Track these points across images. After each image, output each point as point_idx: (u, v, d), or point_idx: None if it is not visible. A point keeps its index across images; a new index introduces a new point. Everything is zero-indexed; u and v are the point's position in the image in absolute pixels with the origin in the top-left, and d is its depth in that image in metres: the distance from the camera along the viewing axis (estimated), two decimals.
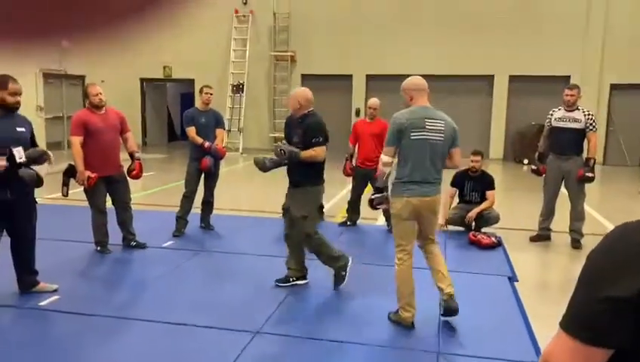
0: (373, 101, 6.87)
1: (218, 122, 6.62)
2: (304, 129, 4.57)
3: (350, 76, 15.98)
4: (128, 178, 5.77)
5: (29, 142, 4.30)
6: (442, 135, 3.90)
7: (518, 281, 5.12)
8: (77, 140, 5.34)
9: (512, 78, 15.04)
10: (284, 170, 4.75)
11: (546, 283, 5.62)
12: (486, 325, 4.13)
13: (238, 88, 16.20)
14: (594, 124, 6.20)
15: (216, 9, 16.44)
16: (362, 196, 6.97)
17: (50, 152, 4.38)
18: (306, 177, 4.60)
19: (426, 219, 4.04)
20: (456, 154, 4.06)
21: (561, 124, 6.24)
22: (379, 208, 4.39)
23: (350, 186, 7.17)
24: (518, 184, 11.83)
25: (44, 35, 14.31)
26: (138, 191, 8.52)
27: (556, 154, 6.33)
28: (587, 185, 6.31)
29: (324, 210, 7.38)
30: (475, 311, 4.29)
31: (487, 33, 14.75)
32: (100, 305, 4.33)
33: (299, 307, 4.49)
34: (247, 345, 3.68)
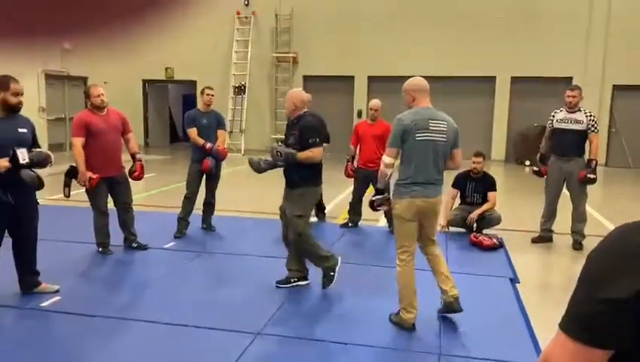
0: (375, 102, 6.87)
1: (219, 123, 6.63)
2: (300, 130, 4.56)
3: (352, 77, 15.99)
4: (130, 179, 5.77)
5: (31, 143, 4.31)
6: (445, 136, 3.91)
7: (519, 283, 5.12)
8: (79, 141, 5.34)
9: (514, 80, 15.04)
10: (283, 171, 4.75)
11: (548, 285, 5.61)
12: (487, 326, 4.13)
13: (239, 90, 16.22)
14: (596, 125, 6.19)
15: (218, 10, 16.47)
16: (364, 198, 6.97)
17: (51, 154, 4.39)
18: (302, 178, 4.59)
19: (428, 221, 4.05)
20: (458, 154, 4.07)
21: (563, 126, 6.23)
22: (380, 210, 4.38)
23: (352, 188, 7.17)
24: (520, 185, 11.81)
25: (46, 36, 14.34)
26: (140, 193, 8.53)
27: (558, 155, 6.32)
28: (589, 187, 6.30)
29: (325, 211, 7.46)
30: (476, 312, 4.28)
31: (489, 34, 14.75)
32: (102, 306, 4.33)
33: (300, 308, 4.49)
34: (248, 346, 3.68)
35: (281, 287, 4.78)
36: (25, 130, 4.25)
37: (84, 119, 5.44)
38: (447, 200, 6.58)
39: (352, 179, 7.10)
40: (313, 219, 7.33)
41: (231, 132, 15.38)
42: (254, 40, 16.39)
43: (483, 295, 4.81)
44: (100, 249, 5.71)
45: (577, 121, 6.16)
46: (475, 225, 6.69)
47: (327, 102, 14.37)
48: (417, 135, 3.83)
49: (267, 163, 4.64)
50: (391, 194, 4.16)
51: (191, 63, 16.50)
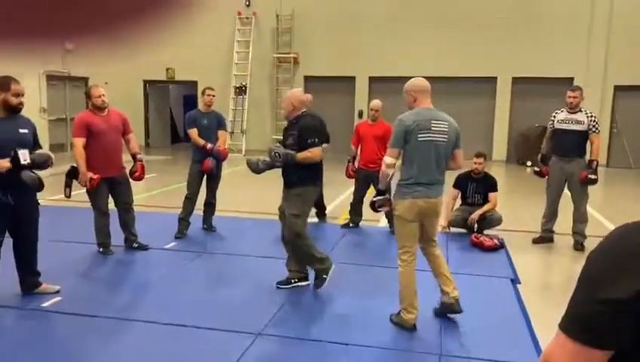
0: (376, 103, 6.87)
1: (220, 124, 6.63)
2: (299, 130, 4.55)
3: (353, 78, 15.99)
4: (130, 179, 5.77)
5: (32, 143, 4.31)
6: (447, 136, 3.92)
7: (520, 283, 5.11)
8: (79, 142, 5.34)
9: (515, 80, 15.03)
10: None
11: (549, 285, 5.60)
12: (488, 327, 4.12)
13: (240, 90, 16.23)
14: (597, 126, 6.19)
15: (219, 11, 16.48)
16: (364, 198, 6.97)
17: (52, 156, 4.39)
18: (300, 178, 4.58)
19: (429, 221, 4.06)
20: (459, 155, 4.08)
21: (564, 126, 6.23)
22: (381, 211, 4.37)
23: (352, 188, 7.17)
24: (521, 186, 11.81)
25: (47, 37, 14.34)
26: (140, 193, 8.54)
27: (559, 156, 6.32)
28: (590, 187, 6.30)
29: (326, 211, 7.46)
30: (477, 313, 4.28)
31: (490, 35, 14.75)
32: (102, 306, 4.33)
33: (300, 308, 4.49)
34: (249, 347, 3.68)
35: (281, 288, 4.78)
36: (26, 131, 4.25)
37: (85, 119, 5.44)
38: (448, 200, 6.57)
39: (353, 180, 7.10)
40: (314, 219, 7.35)
41: (232, 132, 15.39)
42: (255, 40, 16.40)
43: (484, 295, 4.80)
44: (101, 249, 5.71)
45: (578, 122, 6.16)
46: (475, 225, 6.69)
47: (328, 103, 14.37)
48: (419, 135, 3.83)
49: (265, 163, 4.63)
50: (392, 194, 4.16)
51: (192, 64, 16.51)
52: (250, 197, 9.19)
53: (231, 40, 16.54)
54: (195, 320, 4.07)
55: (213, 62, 16.47)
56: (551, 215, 6.47)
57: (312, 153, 4.53)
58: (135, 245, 5.87)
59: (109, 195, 5.66)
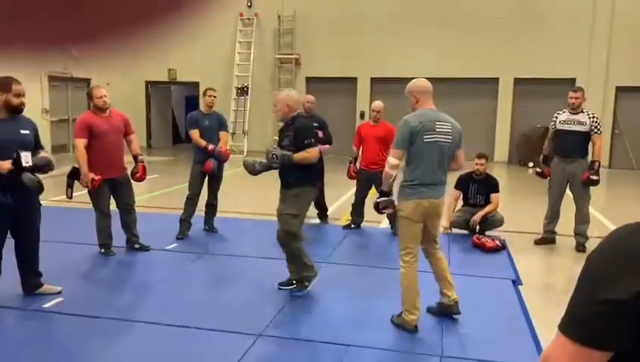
0: (377, 104, 6.87)
1: (222, 125, 6.63)
2: (295, 131, 4.53)
3: (355, 79, 15.99)
4: (132, 180, 5.78)
5: (34, 144, 4.32)
6: (450, 137, 3.93)
7: (522, 284, 5.11)
8: (81, 143, 5.35)
9: (517, 81, 15.02)
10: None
11: (551, 287, 5.59)
12: (490, 328, 4.12)
13: (242, 91, 16.24)
14: (599, 126, 6.18)
15: (221, 12, 16.49)
16: (366, 199, 6.97)
17: (54, 160, 4.39)
18: (298, 179, 4.55)
19: (431, 221, 4.07)
20: (461, 155, 4.09)
21: (566, 127, 6.22)
22: (384, 212, 4.35)
23: (354, 189, 7.16)
24: (523, 187, 11.80)
25: (51, 42, 14.37)
26: (142, 194, 8.54)
27: (561, 157, 6.31)
28: (592, 188, 6.29)
29: (327, 212, 7.45)
30: (478, 314, 4.28)
31: (491, 36, 14.74)
32: (104, 307, 4.33)
33: (301, 309, 4.48)
34: (250, 348, 3.68)
35: (282, 289, 4.78)
36: (27, 132, 4.25)
37: (86, 120, 5.45)
38: (450, 201, 6.56)
39: (355, 181, 7.09)
40: (316, 220, 7.35)
41: (233, 133, 15.40)
42: (257, 41, 16.41)
43: (485, 296, 4.80)
44: (103, 250, 5.71)
45: (580, 123, 6.15)
46: (477, 226, 6.68)
47: (329, 104, 14.37)
48: (425, 137, 3.83)
49: (262, 165, 4.60)
50: (394, 195, 4.16)
51: (194, 65, 16.53)
52: (252, 198, 9.19)
53: (233, 41, 16.55)
54: (196, 321, 4.07)
55: (215, 63, 16.48)
56: (553, 216, 6.46)
57: (309, 153, 4.51)
58: (136, 246, 5.88)
59: (111, 196, 5.67)
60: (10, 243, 4.33)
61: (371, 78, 15.82)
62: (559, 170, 6.31)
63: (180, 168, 12.28)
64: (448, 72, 14.56)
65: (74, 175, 5.37)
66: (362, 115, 15.50)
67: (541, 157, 6.65)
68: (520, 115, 15.11)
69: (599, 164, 6.19)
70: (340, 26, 15.66)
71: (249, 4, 16.43)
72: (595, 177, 6.10)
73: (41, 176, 4.27)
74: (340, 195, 8.94)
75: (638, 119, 14.50)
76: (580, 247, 6.22)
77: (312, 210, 7.21)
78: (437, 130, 3.87)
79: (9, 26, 12.85)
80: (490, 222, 6.71)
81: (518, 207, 8.69)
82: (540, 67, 14.44)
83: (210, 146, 6.32)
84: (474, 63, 14.84)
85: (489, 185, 6.83)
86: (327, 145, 7.07)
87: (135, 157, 5.78)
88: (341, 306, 4.52)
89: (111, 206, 5.70)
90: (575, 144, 6.20)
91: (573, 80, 13.54)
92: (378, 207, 4.19)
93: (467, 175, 6.79)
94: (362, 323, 4.16)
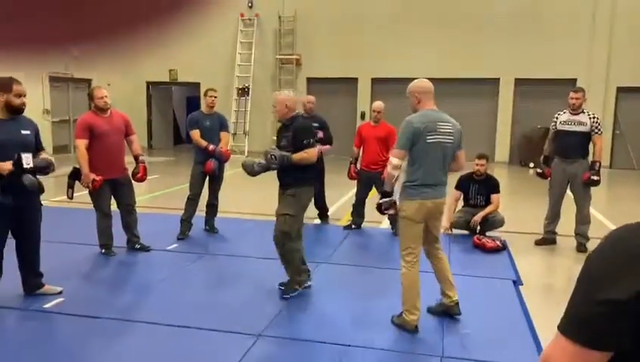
0: (378, 104, 6.87)
1: (222, 125, 6.63)
2: (294, 131, 4.52)
3: (355, 79, 16.00)
4: (133, 181, 5.78)
5: (34, 145, 4.32)
6: (452, 138, 3.94)
7: (522, 285, 5.10)
8: (82, 143, 5.35)
9: (518, 81, 15.02)
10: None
11: (551, 287, 5.59)
12: (490, 329, 4.12)
13: (243, 91, 16.25)
14: (599, 127, 6.18)
15: (221, 13, 16.49)
16: (367, 200, 6.97)
17: (54, 162, 4.39)
18: (296, 180, 4.53)
19: (433, 221, 4.08)
20: (461, 156, 4.10)
21: (567, 128, 6.22)
22: (387, 213, 4.34)
23: (355, 190, 7.16)
24: (524, 187, 11.79)
25: (51, 41, 14.36)
26: (143, 194, 8.55)
27: (561, 157, 6.31)
28: (593, 189, 6.29)
29: (328, 213, 7.46)
30: (479, 314, 4.28)
31: (492, 36, 14.74)
32: (105, 308, 4.34)
33: (302, 310, 4.48)
34: (250, 348, 3.68)
35: (283, 289, 4.78)
36: (28, 132, 4.26)
37: (87, 121, 5.45)
38: (451, 202, 6.56)
39: (355, 181, 7.09)
40: (316, 221, 7.36)
41: (234, 134, 15.41)
42: (258, 42, 16.43)
43: (486, 297, 4.80)
44: (103, 250, 5.72)
45: (581, 123, 6.15)
46: (478, 227, 6.68)
47: (330, 104, 14.38)
48: (428, 137, 3.84)
49: (261, 166, 4.59)
50: (396, 196, 4.15)
51: (195, 65, 16.55)
52: (252, 198, 9.19)
53: (233, 41, 16.57)
54: (196, 321, 4.08)
55: (216, 63, 16.50)
56: (553, 216, 6.46)
57: (308, 154, 4.50)
58: (137, 246, 5.88)
59: (112, 197, 5.67)
60: (11, 243, 4.34)
61: (372, 79, 15.82)
62: (560, 170, 6.31)
63: (180, 169, 12.29)
64: (449, 72, 14.55)
65: (75, 175, 5.37)
66: (363, 116, 15.51)
67: (542, 157, 6.64)
68: (521, 115, 15.11)
69: (600, 164, 6.18)
70: (340, 27, 15.67)
71: (250, 4, 16.45)
72: (595, 177, 6.10)
73: (41, 177, 4.27)
74: (340, 196, 8.94)
75: (638, 119, 14.50)
76: (581, 248, 6.22)
77: (313, 211, 7.23)
78: (439, 130, 3.88)
79: (9, 26, 12.85)
80: (491, 222, 6.70)
81: (519, 207, 8.69)
82: (541, 67, 14.44)
83: (211, 147, 6.33)
84: (475, 64, 14.84)
85: (489, 186, 6.82)
86: (327, 146, 7.08)
87: (136, 158, 5.78)
88: (341, 306, 4.52)
89: (112, 206, 5.71)
90: (576, 144, 6.19)
91: (574, 80, 13.53)
92: (380, 208, 4.18)
93: (468, 175, 6.79)
94: (363, 323, 4.16)
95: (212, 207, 6.69)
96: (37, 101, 13.72)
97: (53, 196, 7.71)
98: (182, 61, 16.87)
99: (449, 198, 5.46)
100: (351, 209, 7.19)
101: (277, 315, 4.27)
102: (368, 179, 6.81)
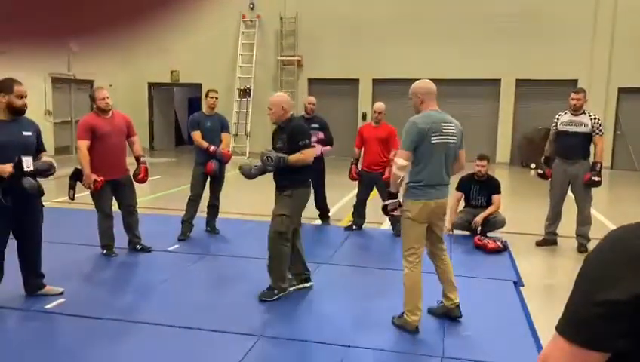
0: (379, 105, 6.87)
1: (223, 126, 6.64)
2: (289, 133, 4.52)
3: (357, 80, 16.00)
4: (134, 182, 5.79)
5: (36, 146, 4.33)
6: (455, 138, 3.96)
7: (523, 286, 5.10)
8: (84, 144, 5.36)
9: (519, 82, 15.00)
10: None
11: (552, 288, 5.58)
12: (491, 329, 4.12)
13: (245, 93, 16.25)
14: (600, 128, 6.17)
15: (223, 14, 16.52)
16: (368, 200, 6.97)
17: (55, 165, 4.39)
18: (292, 181, 4.53)
19: (436, 221, 4.09)
20: (462, 156, 4.11)
21: (567, 128, 6.22)
22: (393, 214, 4.32)
23: (356, 190, 7.17)
24: (525, 188, 11.79)
25: (51, 38, 14.36)
26: (144, 195, 8.56)
27: (562, 158, 6.31)
28: (594, 190, 6.28)
29: (329, 213, 7.46)
30: (480, 315, 4.28)
31: (494, 37, 14.73)
32: (106, 308, 4.35)
33: (303, 310, 4.49)
34: (250, 348, 3.68)
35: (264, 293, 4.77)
36: (29, 133, 4.26)
37: (89, 122, 5.46)
38: (452, 203, 6.56)
39: (357, 182, 7.10)
40: (317, 221, 7.36)
41: (236, 135, 15.42)
42: (259, 43, 16.43)
43: (487, 298, 4.80)
44: (105, 251, 5.73)
45: (582, 124, 6.15)
46: (479, 228, 6.68)
47: (331, 105, 14.38)
48: (433, 138, 3.84)
49: (258, 169, 4.57)
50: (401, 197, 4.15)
51: (196, 66, 16.56)
52: (253, 199, 9.18)
53: (235, 43, 16.58)
54: (197, 321, 4.08)
55: (218, 64, 16.50)
56: (554, 217, 6.46)
57: (305, 155, 4.50)
58: (138, 247, 5.89)
59: (113, 197, 5.68)
60: (12, 244, 4.35)
61: (373, 80, 15.82)
62: (561, 171, 6.30)
63: (182, 170, 12.29)
64: (450, 73, 14.53)
65: (76, 176, 5.38)
66: (364, 117, 15.52)
67: (542, 158, 6.64)
68: (522, 116, 15.09)
69: (601, 165, 6.18)
70: (342, 28, 15.67)
71: (251, 5, 16.46)
72: (596, 178, 6.10)
73: (43, 179, 4.28)
74: (341, 197, 8.95)
75: None
76: (582, 249, 6.22)
77: (314, 212, 7.23)
78: (443, 131, 3.89)
79: (9, 26, 12.87)
80: (492, 223, 6.70)
81: (520, 208, 8.68)
82: (542, 68, 14.42)
83: (212, 148, 6.33)
84: (476, 65, 14.82)
85: (490, 187, 6.82)
86: (328, 147, 7.09)
87: (137, 159, 5.79)
88: (342, 307, 4.53)
89: (113, 207, 5.72)
90: (577, 145, 6.19)
91: (575, 81, 13.52)
92: (386, 210, 4.17)
93: (469, 176, 6.80)
94: (363, 324, 4.17)
95: (213, 208, 6.70)
96: (39, 102, 13.73)
97: (54, 197, 7.73)
98: (183, 62, 16.88)
99: (451, 199, 5.46)
100: (352, 210, 7.19)
101: (278, 316, 4.28)
102: (369, 179, 6.81)
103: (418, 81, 4.07)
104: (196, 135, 6.41)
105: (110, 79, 15.25)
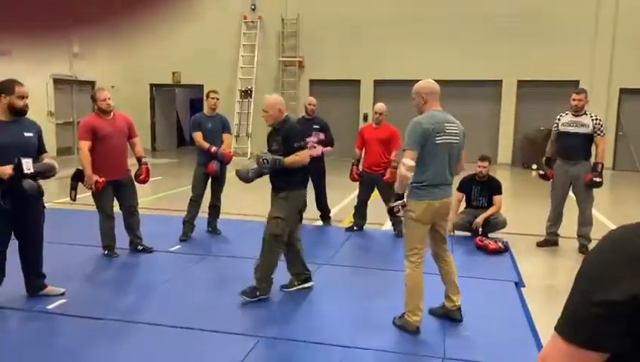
0: (380, 106, 6.87)
1: (225, 127, 6.65)
2: (284, 135, 4.52)
3: (358, 81, 16.00)
4: (135, 182, 5.80)
5: (37, 147, 4.33)
6: (458, 138, 3.97)
7: (524, 286, 5.10)
8: (85, 145, 5.37)
9: (521, 83, 15.00)
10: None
11: (553, 289, 5.57)
12: (492, 330, 4.12)
13: (246, 94, 16.26)
14: (602, 128, 6.17)
15: (224, 15, 16.53)
16: (369, 201, 6.97)
17: (56, 166, 4.40)
18: (288, 183, 4.53)
19: (440, 221, 4.09)
20: (462, 157, 4.11)
21: (569, 129, 6.22)
22: (400, 216, 4.30)
23: (357, 191, 7.17)
24: (526, 189, 11.78)
25: (53, 39, 14.36)
26: (146, 196, 8.57)
27: (564, 159, 6.30)
28: (596, 190, 6.28)
29: (330, 214, 7.46)
30: (481, 316, 4.28)
31: (495, 38, 14.72)
32: (107, 309, 4.35)
33: (303, 311, 4.49)
34: (251, 349, 3.69)
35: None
36: (31, 134, 4.27)
37: (90, 123, 5.47)
38: (453, 203, 6.55)
39: (357, 183, 7.10)
40: (318, 222, 7.36)
41: (237, 136, 15.43)
42: (261, 44, 16.44)
43: (488, 298, 4.79)
44: (106, 252, 5.74)
45: (583, 125, 6.15)
46: (480, 228, 6.68)
47: (333, 106, 14.38)
48: (437, 138, 3.85)
49: (254, 172, 4.58)
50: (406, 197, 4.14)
51: (198, 67, 16.57)
52: (254, 199, 9.18)
53: (236, 44, 16.59)
54: (199, 322, 4.08)
55: (219, 65, 16.52)
56: (556, 218, 6.45)
57: (300, 156, 4.50)
58: (140, 248, 5.90)
59: (114, 198, 5.69)
60: (14, 244, 4.36)
61: (374, 81, 15.83)
62: (562, 172, 6.30)
63: (183, 170, 12.29)
64: (451, 74, 14.50)
65: (78, 177, 5.39)
66: (365, 118, 15.52)
67: (543, 159, 6.64)
68: (523, 117, 15.08)
69: (602, 166, 6.18)
70: (343, 29, 15.67)
71: (253, 7, 16.48)
72: (598, 179, 6.10)
73: (44, 180, 4.28)
74: (342, 197, 8.95)
75: None
76: (583, 249, 6.21)
77: (315, 212, 7.24)
78: (447, 131, 3.90)
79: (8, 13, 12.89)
80: (493, 224, 6.70)
81: (521, 209, 8.68)
82: (544, 69, 14.42)
83: (213, 148, 6.34)
84: (477, 65, 14.82)
85: (492, 188, 6.82)
86: (329, 148, 7.09)
87: (139, 160, 5.80)
88: (343, 308, 4.53)
89: (114, 208, 5.72)
90: (578, 146, 6.19)
91: (577, 82, 13.51)
92: (393, 211, 4.15)
93: (470, 177, 6.79)
94: (364, 324, 4.17)
95: (214, 209, 6.70)
96: (41, 103, 13.76)
97: (56, 197, 7.74)
98: (185, 63, 16.90)
99: (452, 200, 5.45)
100: (353, 210, 7.18)
101: (278, 316, 4.28)
102: (370, 180, 6.81)
103: (421, 81, 4.07)
104: (197, 136, 6.42)
105: (112, 80, 15.27)
